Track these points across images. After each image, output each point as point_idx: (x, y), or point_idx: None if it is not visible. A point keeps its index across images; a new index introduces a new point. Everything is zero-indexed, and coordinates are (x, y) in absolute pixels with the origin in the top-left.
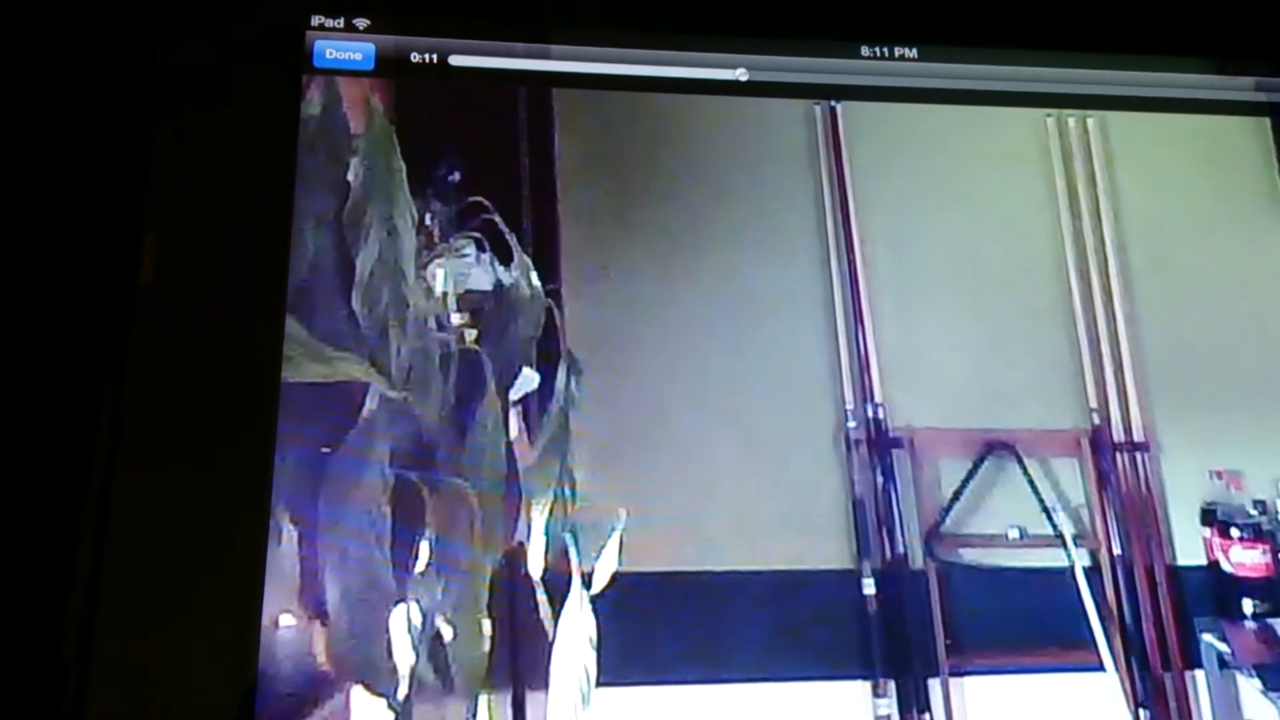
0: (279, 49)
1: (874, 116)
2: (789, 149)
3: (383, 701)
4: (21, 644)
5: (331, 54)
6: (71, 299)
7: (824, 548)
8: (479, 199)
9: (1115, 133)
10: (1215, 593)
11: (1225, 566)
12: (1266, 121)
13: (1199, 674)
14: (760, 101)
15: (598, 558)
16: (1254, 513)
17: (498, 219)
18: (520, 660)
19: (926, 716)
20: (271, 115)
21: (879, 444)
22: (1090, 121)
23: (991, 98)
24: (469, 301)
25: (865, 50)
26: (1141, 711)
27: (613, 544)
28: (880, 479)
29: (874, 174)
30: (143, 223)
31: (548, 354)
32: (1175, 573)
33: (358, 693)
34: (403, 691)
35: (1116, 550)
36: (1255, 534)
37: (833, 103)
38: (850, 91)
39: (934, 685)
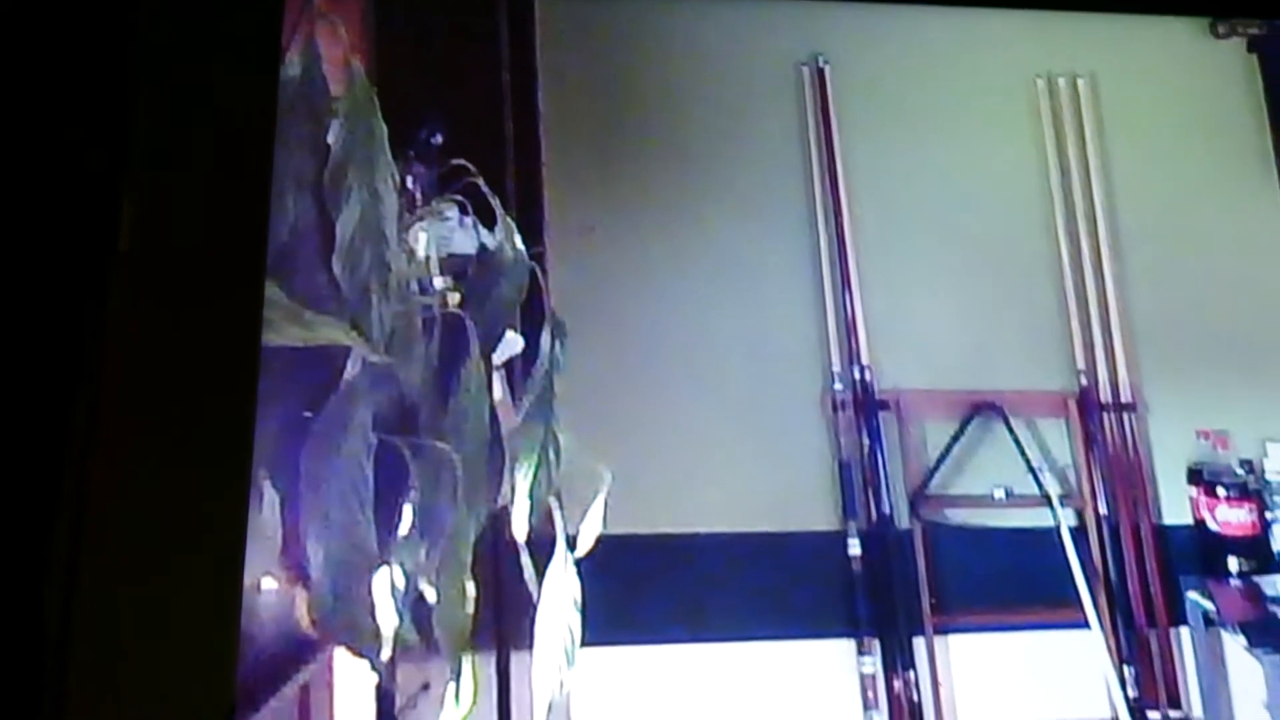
0: (258, 8)
1: (862, 77)
2: (776, 111)
3: (366, 663)
4: (2, 609)
5: None
6: (51, 267)
7: (810, 509)
8: (462, 162)
9: (1106, 94)
10: (1201, 551)
11: (1211, 525)
12: (1258, 83)
13: (1184, 631)
14: (748, 62)
15: (582, 520)
16: (1240, 472)
17: (481, 182)
18: (504, 622)
19: (911, 674)
20: (251, 78)
21: (865, 406)
22: (1081, 83)
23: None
24: (452, 265)
25: None
26: (1126, 668)
27: (597, 507)
28: (866, 441)
29: (862, 136)
30: (121, 190)
31: (532, 317)
32: (1161, 531)
33: (341, 654)
34: (386, 653)
35: (1103, 510)
36: (1241, 493)
37: (820, 61)
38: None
39: (919, 643)
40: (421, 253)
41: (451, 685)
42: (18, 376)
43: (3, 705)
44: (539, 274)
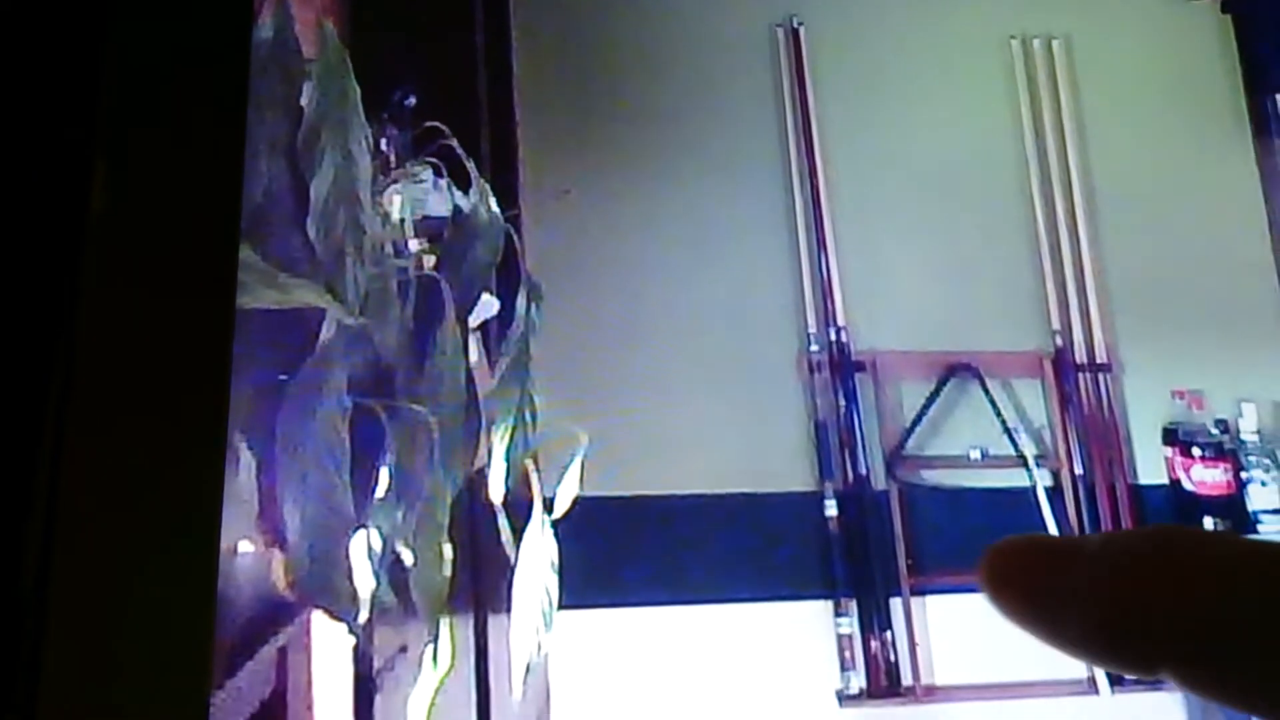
0: None
1: (838, 39)
2: (752, 72)
3: (343, 626)
4: None
5: None
6: (21, 228)
7: (786, 470)
8: (436, 124)
9: (1080, 55)
10: (1176, 511)
11: (1186, 485)
12: (1234, 46)
13: None
14: (723, 23)
15: (559, 483)
16: (1215, 432)
17: (455, 144)
18: (482, 584)
19: (888, 634)
20: (223, 38)
21: (841, 367)
22: (1055, 44)
23: None
24: (427, 228)
25: None
26: None
27: (574, 469)
28: (843, 402)
29: (837, 97)
30: (93, 150)
31: (508, 280)
32: (1136, 492)
33: (318, 618)
34: (363, 616)
35: (1078, 470)
36: (1216, 453)
37: (795, 22)
38: None
39: (896, 604)
40: (396, 215)
41: (429, 647)
42: None
43: None
44: (514, 236)
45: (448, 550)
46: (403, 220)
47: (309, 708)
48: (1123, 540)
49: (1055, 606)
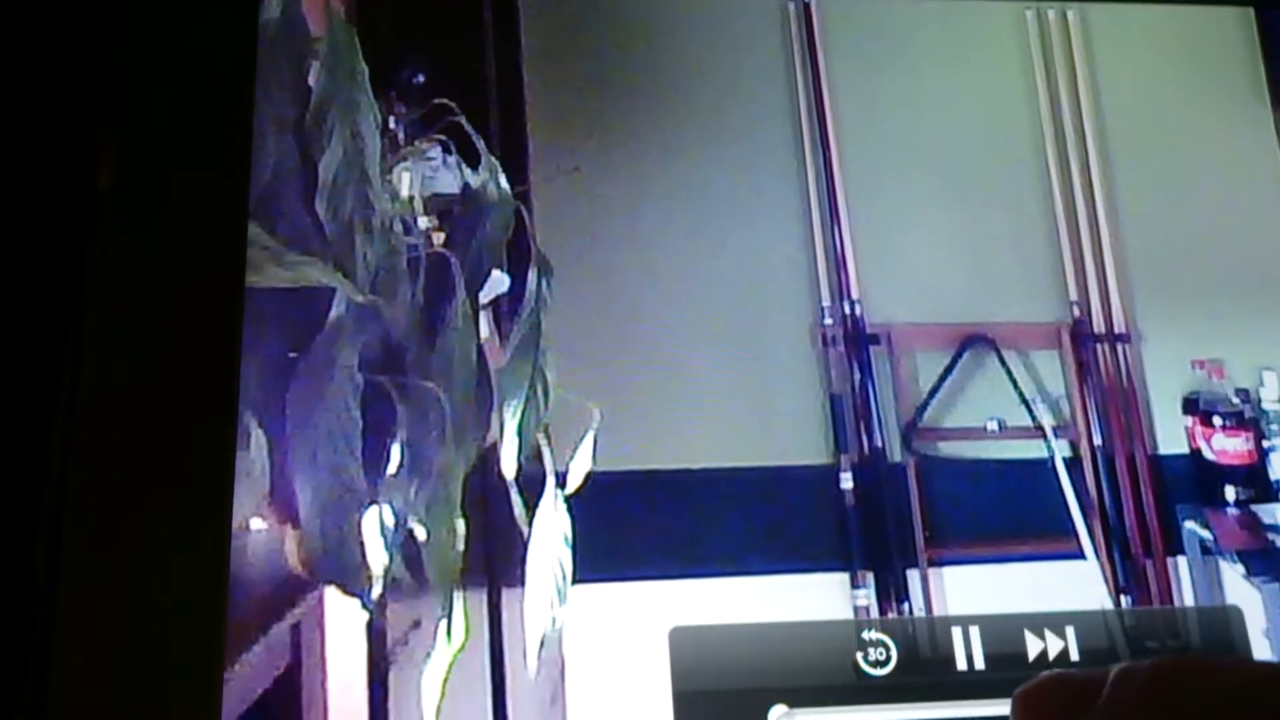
0: None
1: (849, 11)
2: (763, 46)
3: (357, 602)
4: None
5: None
6: (31, 205)
7: (801, 443)
8: (444, 101)
9: (1096, 26)
10: (1197, 480)
11: (1207, 454)
12: (1250, 13)
13: (1181, 561)
14: None
15: (572, 457)
16: (1236, 401)
17: (464, 121)
18: (495, 559)
19: (905, 606)
20: (230, 18)
21: (856, 340)
22: (1070, 14)
23: None
24: (436, 205)
25: None
26: (1123, 597)
27: (587, 443)
28: (858, 375)
29: (849, 69)
30: (102, 128)
31: (518, 256)
32: (1157, 461)
33: (331, 593)
34: (376, 592)
35: (1097, 440)
36: (1237, 422)
37: None
38: None
39: (913, 576)
40: (405, 193)
41: (443, 622)
42: None
43: None
44: (524, 213)
45: (460, 526)
46: (412, 198)
47: (323, 683)
48: (1136, 676)
49: None
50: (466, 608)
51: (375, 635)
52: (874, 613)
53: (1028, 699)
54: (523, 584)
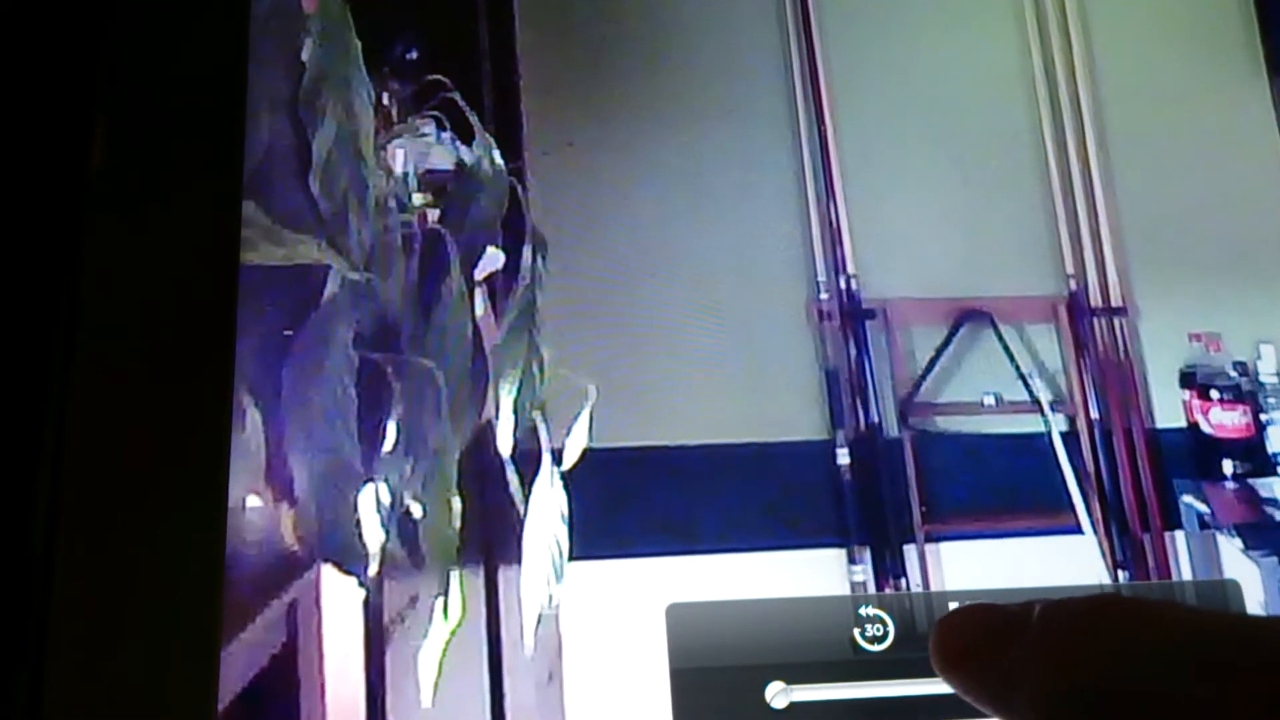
0: None
1: None
2: (758, 19)
3: (353, 580)
4: None
5: None
6: (22, 185)
7: (797, 419)
8: (438, 77)
9: None
10: (1195, 454)
11: (1205, 428)
12: None
13: (1179, 535)
14: None
15: (568, 434)
16: (1233, 374)
17: (458, 97)
18: (491, 537)
19: (902, 582)
20: None
21: (852, 315)
22: None
23: None
24: (430, 181)
25: None
26: (1121, 572)
27: (583, 420)
28: (853, 350)
29: (844, 43)
30: (94, 107)
31: (513, 232)
32: (1154, 435)
33: (328, 571)
34: (373, 569)
35: (1094, 415)
36: (1235, 395)
37: None
38: None
39: (910, 551)
40: (399, 169)
41: (440, 600)
42: None
43: None
44: (519, 189)
45: (457, 503)
46: (406, 174)
47: (320, 660)
48: (1060, 614)
49: (998, 683)
50: (463, 585)
51: (372, 613)
52: (871, 588)
53: (946, 630)
54: (519, 561)
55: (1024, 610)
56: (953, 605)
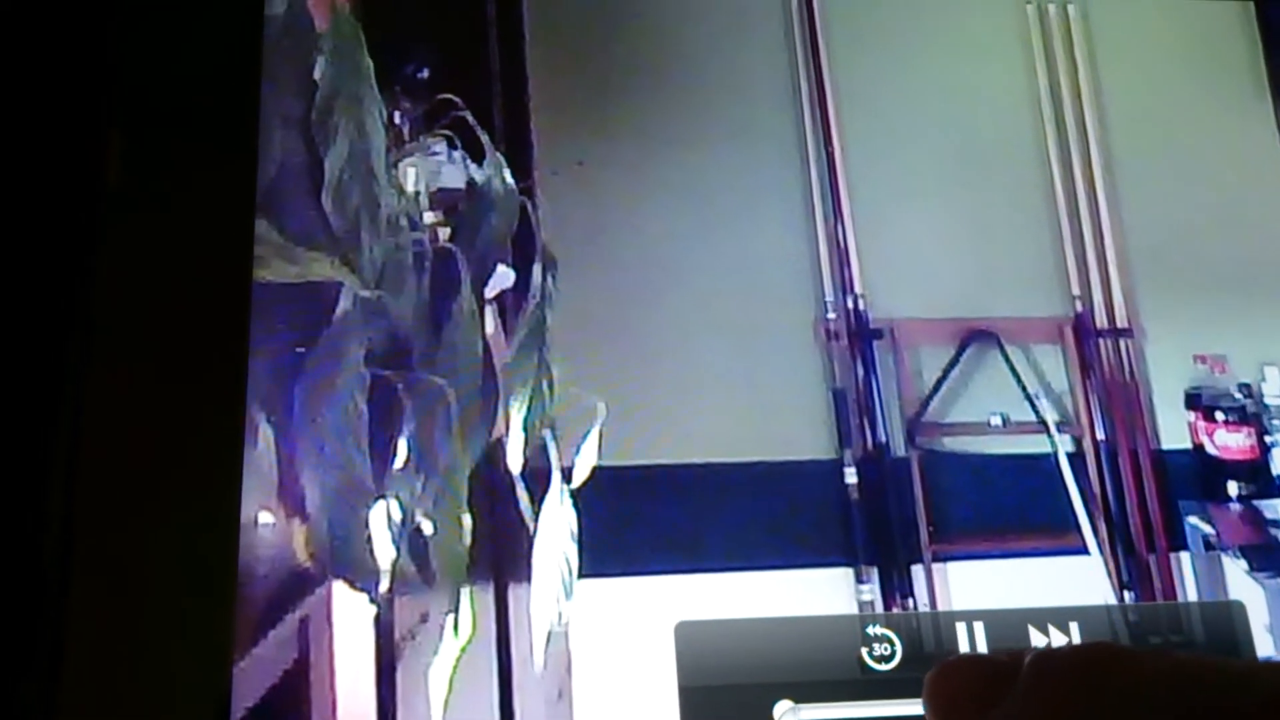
0: None
1: (851, 5)
2: (766, 40)
3: (364, 596)
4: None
5: None
6: (39, 203)
7: (805, 438)
8: (449, 96)
9: (1096, 20)
10: (1200, 476)
11: (1210, 450)
12: (1251, 7)
13: (1184, 556)
14: None
15: (577, 452)
16: (1238, 396)
17: (469, 116)
18: (501, 554)
19: (910, 602)
20: (235, 16)
21: (859, 335)
22: (1071, 8)
23: None
24: (441, 200)
25: None
26: (1126, 593)
27: (592, 438)
28: (861, 369)
29: (852, 64)
30: (110, 125)
31: (523, 251)
32: (1159, 457)
33: (339, 588)
34: (384, 586)
35: (1100, 435)
36: (1240, 417)
37: None
38: None
39: (917, 571)
40: (411, 188)
41: (450, 617)
42: (4, 312)
43: (4, 640)
44: (529, 207)
45: (467, 520)
46: (417, 193)
47: (331, 677)
48: (1050, 662)
49: None
50: (473, 602)
51: (383, 630)
52: (879, 608)
53: (938, 682)
54: (529, 579)
55: (1014, 660)
56: (960, 625)
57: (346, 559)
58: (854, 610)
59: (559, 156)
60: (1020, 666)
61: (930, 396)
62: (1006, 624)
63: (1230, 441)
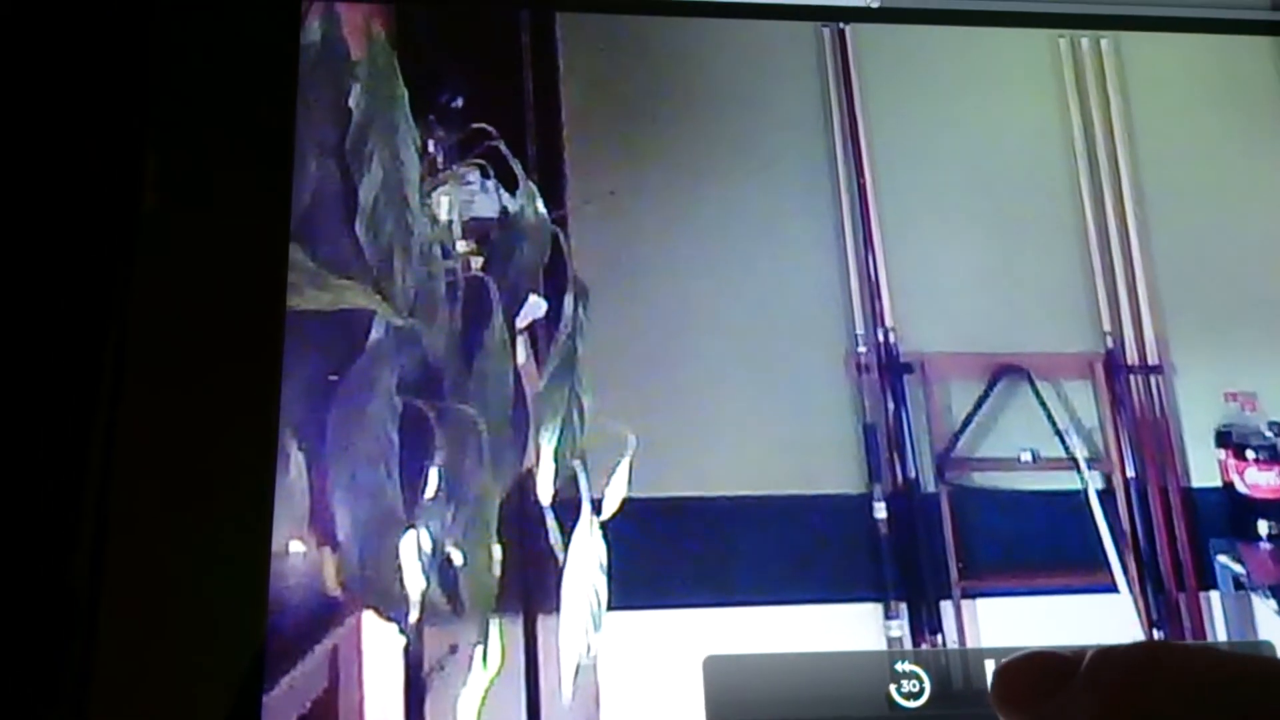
0: None
1: (883, 38)
2: (797, 72)
3: (394, 626)
4: (31, 572)
5: None
6: (74, 227)
7: (835, 472)
8: (483, 125)
9: (1128, 54)
10: (1230, 515)
11: (1240, 488)
12: None
13: (1214, 595)
14: (768, 24)
15: (607, 483)
16: (1269, 434)
17: (502, 145)
18: (531, 585)
19: (939, 638)
20: (271, 43)
21: (890, 368)
22: (1104, 43)
23: (1004, 19)
24: (474, 229)
25: None
26: (1156, 632)
27: (622, 469)
28: (891, 404)
29: (883, 97)
30: (146, 151)
31: (555, 281)
32: (1190, 494)
33: (369, 618)
34: (414, 616)
35: (1130, 473)
36: (1270, 455)
37: (841, 24)
38: (860, 13)
39: (946, 607)
40: (444, 216)
41: (479, 648)
42: (40, 337)
43: (34, 672)
44: (561, 237)
45: (497, 551)
46: (450, 221)
47: (360, 707)
48: (1111, 654)
49: (1054, 717)
50: (502, 634)
51: (412, 660)
52: (907, 644)
53: (1005, 674)
54: (558, 610)
55: (1076, 655)
56: (989, 662)
57: (377, 588)
58: (883, 646)
59: (592, 187)
60: (1081, 659)
61: (960, 431)
62: None
63: (1261, 480)
